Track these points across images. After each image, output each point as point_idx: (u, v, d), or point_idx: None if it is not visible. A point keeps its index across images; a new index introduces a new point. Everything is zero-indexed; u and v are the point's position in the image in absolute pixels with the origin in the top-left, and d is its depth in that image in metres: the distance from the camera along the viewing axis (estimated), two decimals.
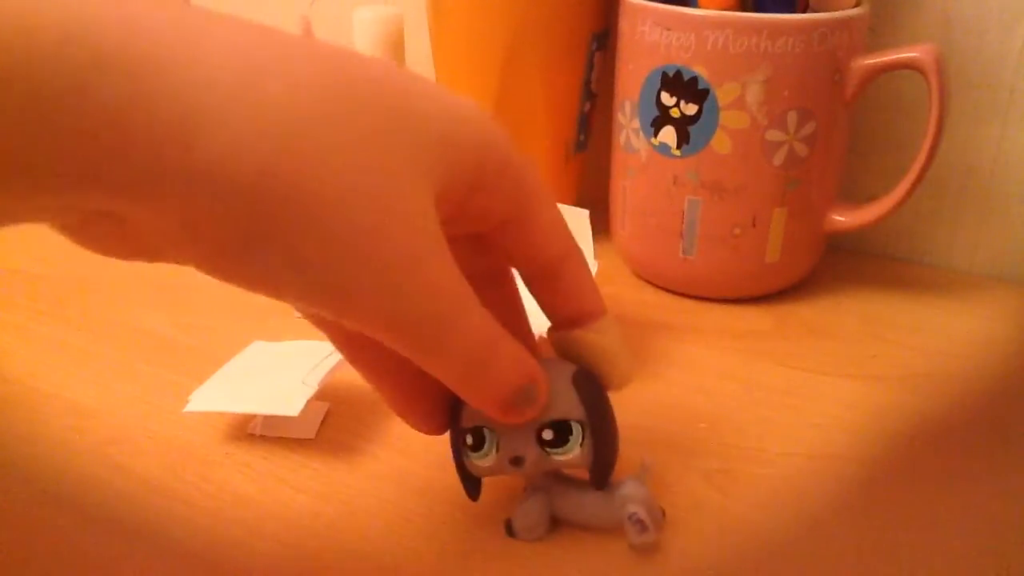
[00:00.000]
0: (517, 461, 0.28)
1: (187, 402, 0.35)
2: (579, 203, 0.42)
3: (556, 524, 0.31)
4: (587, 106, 0.52)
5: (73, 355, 0.42)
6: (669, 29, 0.42)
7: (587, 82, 0.51)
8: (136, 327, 0.45)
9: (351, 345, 0.28)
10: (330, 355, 0.37)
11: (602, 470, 0.29)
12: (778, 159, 0.43)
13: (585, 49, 0.50)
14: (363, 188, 0.21)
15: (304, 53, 0.21)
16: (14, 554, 0.28)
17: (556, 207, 0.28)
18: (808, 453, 0.35)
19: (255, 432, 0.36)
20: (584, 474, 0.29)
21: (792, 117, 0.42)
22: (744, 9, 0.42)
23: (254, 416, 0.36)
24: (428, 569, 0.29)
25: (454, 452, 0.29)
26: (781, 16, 0.40)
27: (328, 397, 0.38)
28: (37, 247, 0.55)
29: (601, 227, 0.43)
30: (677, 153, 0.44)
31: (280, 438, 0.36)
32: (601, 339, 0.29)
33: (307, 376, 0.35)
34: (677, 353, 0.42)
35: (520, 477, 0.30)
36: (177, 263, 0.24)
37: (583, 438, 0.28)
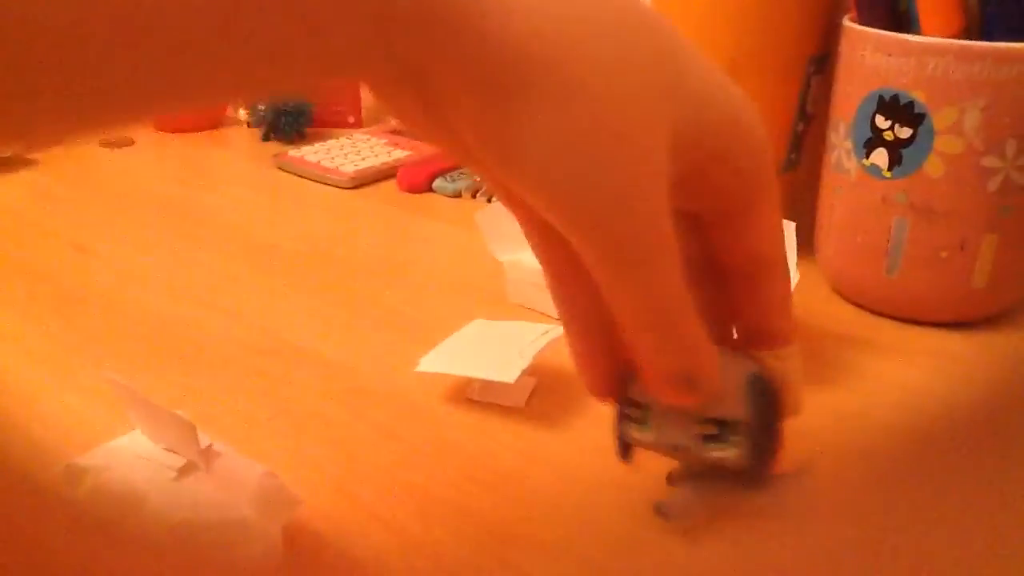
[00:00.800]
0: (675, 448, 0.29)
1: (417, 364, 0.40)
2: (785, 220, 0.44)
3: (705, 512, 0.32)
4: (800, 127, 0.54)
5: (322, 318, 0.49)
6: (889, 54, 0.43)
7: (802, 104, 0.53)
8: (374, 299, 0.51)
9: (562, 278, 0.29)
10: (543, 334, 0.41)
11: (757, 474, 0.29)
12: (993, 185, 0.43)
13: (802, 72, 0.52)
14: (616, 96, 0.22)
15: None
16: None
17: (780, 215, 0.28)
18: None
19: (472, 397, 0.40)
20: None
21: (1011, 145, 0.42)
22: (969, 35, 0.43)
23: (473, 381, 0.41)
24: (622, 533, 0.33)
25: (617, 416, 0.31)
26: (1005, 44, 0.41)
27: (537, 373, 0.42)
28: (296, 228, 0.63)
29: (805, 243, 0.45)
30: (888, 175, 0.45)
31: (493, 404, 0.40)
32: (782, 365, 0.29)
33: (523, 350, 0.39)
34: (872, 369, 0.43)
35: (680, 460, 0.32)
36: (451, 145, 0.26)
37: (744, 440, 0.28)
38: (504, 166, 0.23)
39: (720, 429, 0.29)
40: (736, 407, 0.28)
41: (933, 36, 0.43)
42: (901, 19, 0.44)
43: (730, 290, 0.29)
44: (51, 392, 0.42)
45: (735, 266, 0.28)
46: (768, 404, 0.29)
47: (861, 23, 0.46)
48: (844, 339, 0.46)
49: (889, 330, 0.47)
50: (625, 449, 0.31)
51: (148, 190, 0.72)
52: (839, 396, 0.41)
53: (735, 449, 0.29)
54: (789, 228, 0.42)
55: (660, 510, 0.32)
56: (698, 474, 0.32)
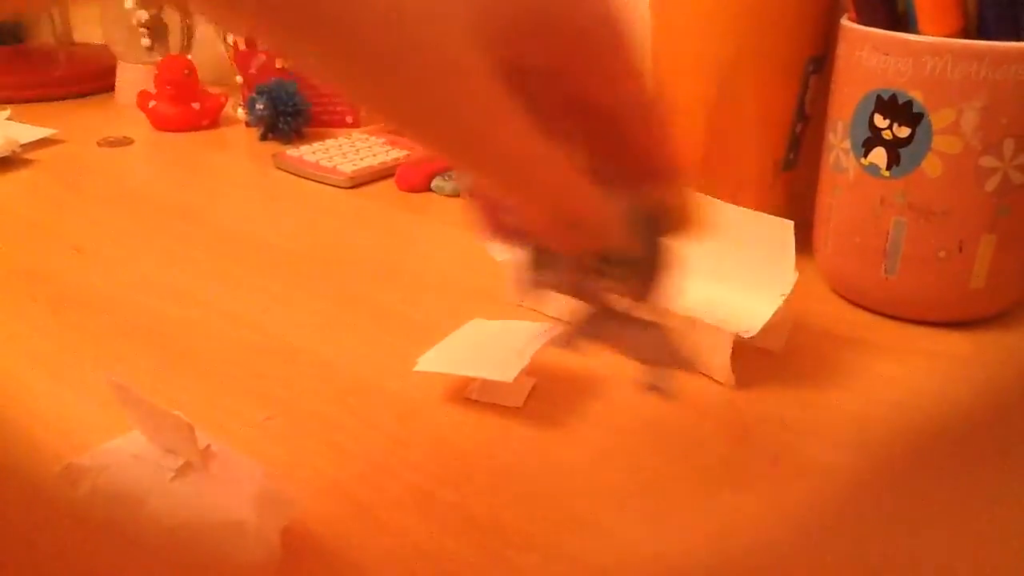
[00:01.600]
0: (577, 283, 0.32)
1: (415, 363, 0.40)
2: (784, 219, 0.44)
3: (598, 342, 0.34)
4: (799, 126, 0.54)
5: (321, 318, 0.49)
6: (887, 54, 0.43)
7: (801, 103, 0.53)
8: (372, 299, 0.51)
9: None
10: (543, 333, 0.41)
11: (650, 298, 0.31)
12: (990, 185, 0.43)
13: (801, 72, 0.52)
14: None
15: None
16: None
17: (629, 53, 0.27)
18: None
19: (471, 396, 0.40)
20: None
21: (1009, 145, 0.42)
22: (968, 34, 0.43)
23: (472, 381, 0.41)
24: (621, 533, 0.33)
25: (519, 264, 0.32)
26: (1003, 44, 0.41)
27: (535, 373, 0.42)
28: (295, 227, 0.63)
29: (803, 243, 0.45)
30: (886, 174, 0.45)
31: (492, 404, 0.40)
32: (668, 197, 0.30)
33: (522, 349, 0.39)
34: (870, 369, 0.43)
35: (577, 297, 0.33)
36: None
37: (641, 270, 0.31)
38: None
39: (616, 263, 0.31)
40: (631, 241, 0.30)
41: (931, 36, 0.43)
42: (899, 19, 0.44)
43: (609, 136, 0.29)
44: (49, 392, 0.42)
45: (605, 114, 0.28)
46: (657, 234, 0.31)
47: (859, 23, 0.46)
48: (842, 339, 0.46)
49: (887, 330, 0.47)
50: (528, 290, 0.33)
51: (146, 190, 0.72)
52: (837, 396, 0.41)
53: (634, 276, 0.31)
54: (787, 227, 0.43)
55: (557, 342, 0.34)
56: (590, 311, 0.34)
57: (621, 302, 0.33)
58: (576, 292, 0.32)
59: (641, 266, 0.31)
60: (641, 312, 0.32)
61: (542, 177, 0.26)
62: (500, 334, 0.42)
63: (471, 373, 0.39)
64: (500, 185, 0.27)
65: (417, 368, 0.40)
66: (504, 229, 0.31)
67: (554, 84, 0.28)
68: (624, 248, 0.30)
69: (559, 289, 0.32)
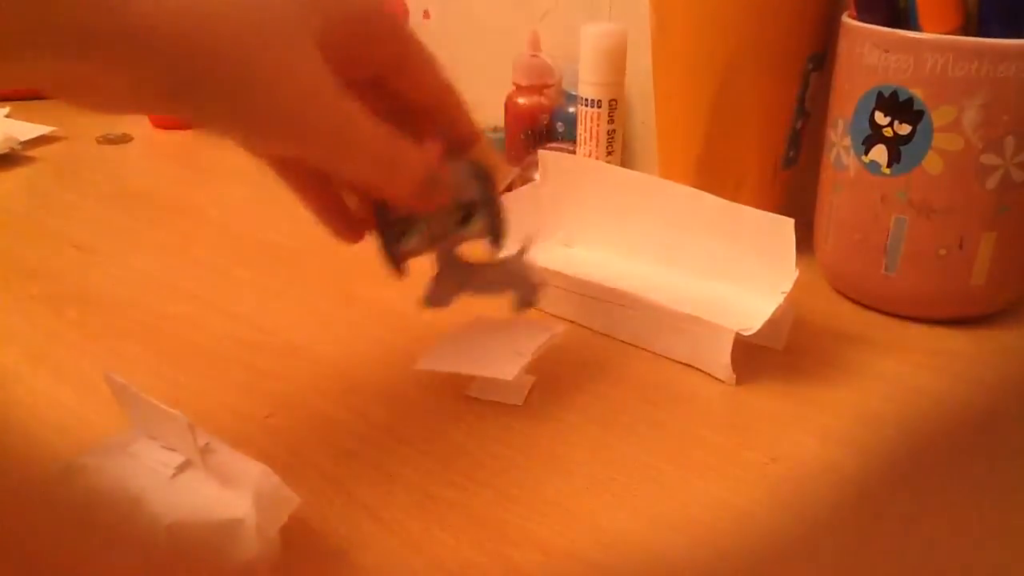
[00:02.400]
0: (438, 238, 0.38)
1: (416, 362, 0.40)
2: (784, 216, 0.44)
3: (462, 292, 0.41)
4: (799, 124, 0.54)
5: (321, 316, 0.49)
6: (888, 51, 0.43)
7: (801, 101, 0.53)
8: (372, 297, 0.51)
9: (284, 169, 0.37)
10: (542, 331, 0.41)
11: (498, 234, 0.38)
12: (991, 183, 0.43)
13: (801, 69, 0.52)
14: (267, 38, 0.28)
15: None
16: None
17: (431, 55, 0.35)
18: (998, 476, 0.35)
19: (471, 394, 0.40)
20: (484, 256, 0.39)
21: (1010, 142, 0.42)
22: (968, 32, 0.43)
23: (472, 379, 0.40)
24: (621, 531, 0.33)
25: (382, 243, 0.38)
26: (1003, 41, 0.41)
27: (535, 371, 0.42)
28: (295, 225, 0.62)
29: (804, 241, 0.45)
30: (887, 172, 0.45)
31: (492, 402, 0.40)
32: (483, 152, 0.38)
33: (521, 347, 0.39)
34: (871, 366, 0.43)
35: (436, 258, 0.40)
36: (137, 112, 0.31)
37: (483, 214, 0.38)
38: (225, 131, 0.30)
39: (465, 211, 0.38)
40: (469, 191, 0.38)
41: (932, 33, 0.43)
42: (900, 16, 0.44)
43: (429, 121, 0.37)
44: (48, 390, 0.42)
45: (424, 101, 0.36)
46: (488, 179, 0.38)
47: (860, 20, 0.46)
48: (843, 336, 0.46)
49: (888, 327, 0.47)
50: (397, 263, 0.38)
51: (146, 187, 0.72)
52: (837, 393, 0.41)
53: (480, 220, 0.38)
54: (788, 224, 0.42)
55: (427, 301, 0.40)
56: (448, 266, 0.40)
57: (471, 255, 0.40)
58: (437, 245, 0.39)
59: (483, 209, 0.38)
60: (489, 256, 0.39)
61: (401, 153, 0.33)
62: (500, 332, 0.42)
63: (472, 372, 0.39)
64: (378, 174, 0.33)
65: (418, 367, 0.40)
66: (349, 226, 0.38)
67: (379, 87, 0.35)
68: (463, 195, 0.37)
69: (422, 249, 0.38)
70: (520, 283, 0.41)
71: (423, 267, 0.40)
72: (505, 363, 0.38)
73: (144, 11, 0.26)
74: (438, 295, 0.40)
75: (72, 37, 0.26)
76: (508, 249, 0.40)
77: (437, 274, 0.40)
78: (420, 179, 0.34)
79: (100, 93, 0.30)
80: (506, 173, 0.39)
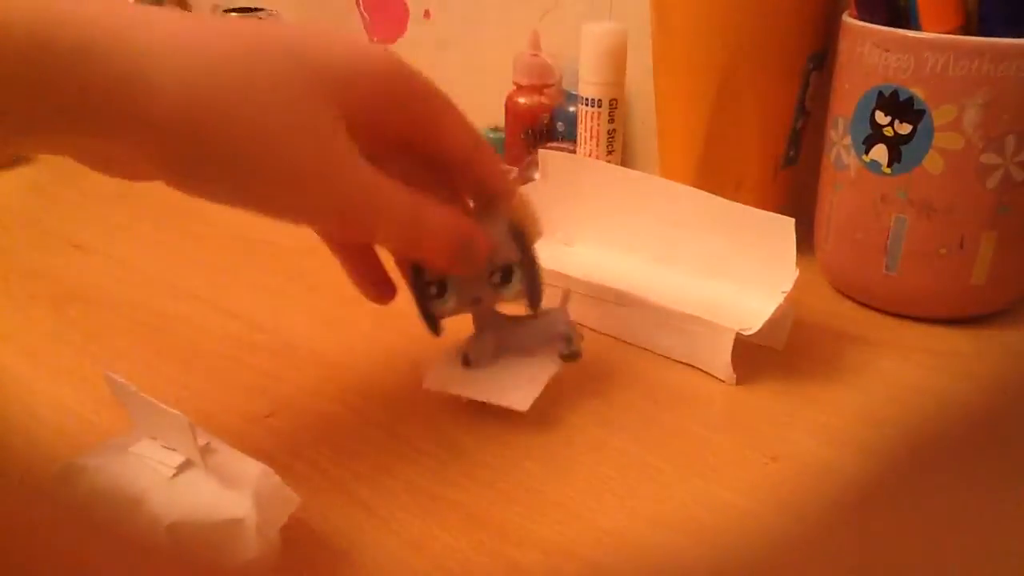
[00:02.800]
0: (476, 301, 0.38)
1: (423, 378, 0.39)
2: (785, 216, 0.44)
3: (502, 353, 0.40)
4: (800, 123, 0.54)
5: (321, 316, 0.49)
6: (888, 50, 0.43)
7: (801, 100, 0.53)
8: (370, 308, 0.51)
9: (339, 250, 0.39)
10: (555, 358, 0.40)
11: (536, 296, 0.38)
12: (992, 182, 0.43)
13: (801, 69, 0.52)
14: (272, 118, 0.29)
15: (216, 30, 0.29)
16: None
17: (458, 111, 0.35)
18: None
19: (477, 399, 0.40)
20: (521, 310, 0.39)
21: (1010, 141, 0.42)
22: (969, 31, 0.43)
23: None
24: (623, 533, 0.33)
25: (418, 301, 0.38)
26: (1004, 40, 0.41)
27: None
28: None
29: (804, 240, 0.45)
30: (887, 171, 0.45)
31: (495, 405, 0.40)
32: (520, 210, 0.38)
33: (535, 373, 0.39)
34: (871, 366, 0.43)
35: (474, 316, 0.40)
36: (153, 180, 0.32)
37: (521, 276, 0.37)
38: (242, 207, 0.31)
39: (503, 274, 0.37)
40: (509, 253, 0.37)
41: (933, 32, 0.43)
42: (900, 15, 0.44)
43: (459, 179, 0.37)
44: (48, 390, 0.42)
45: (455, 160, 0.36)
46: (526, 239, 0.37)
47: (860, 19, 0.46)
48: (843, 336, 0.46)
49: (888, 327, 0.47)
50: (434, 323, 0.39)
51: (147, 187, 0.71)
52: (837, 392, 0.41)
53: (518, 284, 0.38)
54: (788, 224, 0.42)
55: (467, 359, 0.39)
56: (488, 325, 0.40)
57: (510, 309, 0.39)
58: (474, 307, 0.38)
59: (522, 271, 0.37)
60: (524, 311, 0.39)
61: (436, 222, 0.34)
62: (508, 352, 0.41)
63: (483, 398, 0.38)
64: (413, 244, 0.34)
65: (425, 386, 0.39)
66: (380, 290, 0.40)
67: (408, 150, 0.35)
68: (501, 256, 0.37)
69: (459, 310, 0.38)
70: (561, 337, 0.40)
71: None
72: (517, 389, 0.38)
73: (163, 102, 0.27)
74: (478, 354, 0.39)
75: (95, 123, 0.27)
76: (547, 302, 0.39)
77: (476, 334, 0.40)
78: (454, 246, 0.34)
79: (121, 166, 0.33)
80: (539, 230, 0.38)
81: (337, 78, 0.31)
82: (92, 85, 0.26)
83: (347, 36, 0.32)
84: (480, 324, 0.40)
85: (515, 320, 0.40)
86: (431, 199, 0.34)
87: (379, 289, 0.39)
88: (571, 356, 0.39)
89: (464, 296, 0.38)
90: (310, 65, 0.30)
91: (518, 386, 0.38)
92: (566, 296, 0.41)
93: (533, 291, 0.38)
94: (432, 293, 0.38)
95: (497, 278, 0.37)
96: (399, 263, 0.39)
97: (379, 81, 0.32)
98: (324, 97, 0.30)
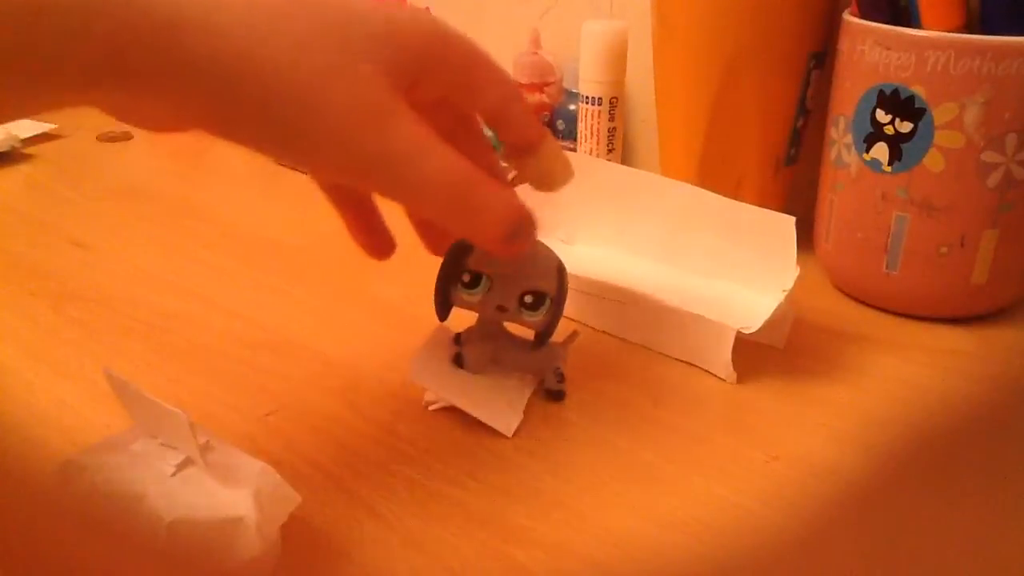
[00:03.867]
0: (501, 309, 0.38)
1: (409, 367, 0.39)
2: (786, 214, 0.43)
3: (491, 365, 0.40)
4: (800, 121, 0.54)
5: (321, 314, 0.49)
6: (889, 48, 0.43)
7: (802, 99, 0.53)
8: (372, 294, 0.51)
9: (351, 213, 0.38)
10: (529, 380, 0.41)
11: (549, 334, 0.39)
12: (992, 181, 0.43)
13: (803, 67, 0.52)
14: (318, 63, 0.28)
15: None
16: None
17: (495, 65, 0.34)
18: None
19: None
20: (528, 334, 0.40)
21: (1011, 139, 0.42)
22: (970, 29, 0.43)
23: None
24: (624, 530, 0.33)
25: (443, 281, 0.38)
26: (1006, 38, 0.40)
27: None
28: (295, 222, 0.62)
29: (805, 239, 0.45)
30: (888, 169, 0.45)
31: None
32: (541, 162, 0.36)
33: (512, 399, 0.39)
34: (872, 365, 0.43)
35: (481, 320, 0.40)
36: (177, 130, 0.31)
37: (549, 308, 0.38)
38: (283, 156, 0.30)
39: (535, 298, 0.38)
40: (550, 283, 0.38)
41: (934, 30, 0.43)
42: (901, 13, 0.44)
43: (494, 130, 0.35)
44: (48, 388, 0.42)
45: (487, 115, 0.35)
46: (565, 281, 0.38)
47: (861, 17, 0.45)
48: (844, 335, 0.46)
49: (889, 326, 0.47)
50: (446, 309, 0.39)
51: (146, 185, 0.72)
52: (838, 391, 0.41)
53: (543, 316, 0.38)
54: (789, 222, 0.42)
55: (459, 360, 0.39)
56: (492, 335, 0.40)
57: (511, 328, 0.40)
58: (495, 313, 0.38)
59: (551, 307, 0.38)
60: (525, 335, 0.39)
61: (482, 193, 0.32)
62: (496, 365, 0.41)
63: (467, 408, 0.38)
64: (439, 203, 0.31)
65: (411, 378, 0.38)
66: (378, 234, 0.39)
67: (445, 108, 0.34)
68: (542, 283, 0.37)
69: (480, 308, 0.38)
70: (553, 372, 0.40)
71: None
72: (500, 414, 0.38)
73: (192, 47, 0.26)
74: (473, 361, 0.40)
75: (123, 74, 0.26)
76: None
77: (477, 339, 0.40)
78: (509, 224, 0.33)
79: (145, 116, 0.31)
80: (571, 171, 0.37)
81: (377, 36, 0.30)
82: (137, 28, 0.25)
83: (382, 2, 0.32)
84: (485, 332, 0.40)
85: (517, 341, 0.41)
86: (484, 172, 0.32)
87: (377, 240, 0.39)
88: (555, 394, 0.40)
89: (493, 297, 0.38)
90: (357, 23, 0.29)
91: (501, 410, 0.38)
92: (572, 337, 0.41)
93: (550, 328, 0.39)
94: (464, 280, 0.38)
95: (529, 299, 0.38)
96: (420, 228, 0.39)
97: (415, 40, 0.31)
98: (370, 55, 0.29)
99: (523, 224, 0.33)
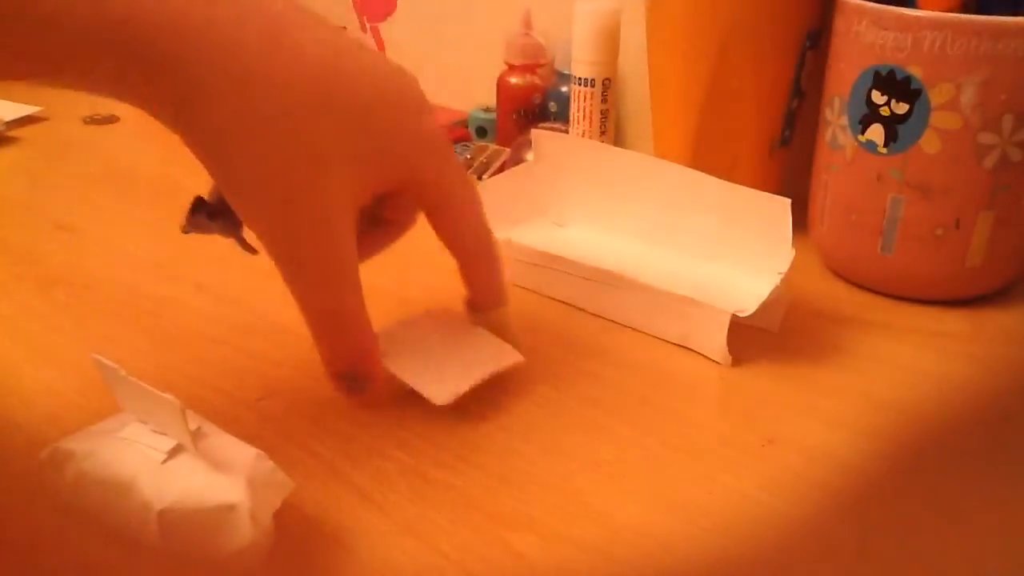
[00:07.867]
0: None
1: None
2: (781, 196, 0.43)
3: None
4: (795, 102, 0.54)
5: None
6: (885, 29, 0.43)
7: (797, 79, 0.52)
8: (365, 281, 0.50)
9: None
10: (497, 359, 0.39)
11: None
12: (989, 162, 0.42)
13: (797, 47, 0.51)
14: (298, 183, 0.31)
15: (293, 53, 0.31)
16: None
17: (477, 210, 0.36)
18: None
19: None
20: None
21: (1008, 120, 0.42)
22: (967, 9, 0.42)
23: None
24: (620, 516, 0.32)
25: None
26: (1002, 19, 0.40)
27: (530, 353, 0.41)
28: None
29: (799, 221, 0.44)
30: (883, 151, 0.44)
31: (487, 383, 0.39)
32: (502, 321, 0.39)
33: (470, 368, 0.38)
34: (867, 347, 0.43)
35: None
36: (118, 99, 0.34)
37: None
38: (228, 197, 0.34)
39: None
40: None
41: (930, 10, 0.42)
42: None
43: (461, 270, 0.38)
44: (35, 374, 0.41)
45: (456, 252, 0.37)
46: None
47: None
48: (838, 317, 0.46)
49: (883, 308, 0.47)
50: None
51: (132, 168, 0.71)
52: (833, 374, 0.41)
53: None
54: (784, 205, 0.42)
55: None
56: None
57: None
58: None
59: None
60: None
61: (346, 332, 0.35)
62: (461, 340, 0.40)
63: (409, 381, 0.37)
64: (313, 328, 0.35)
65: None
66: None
67: (430, 219, 0.36)
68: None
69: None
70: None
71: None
72: (444, 381, 0.37)
73: (216, 106, 0.30)
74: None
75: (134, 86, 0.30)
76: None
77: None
78: (339, 369, 0.35)
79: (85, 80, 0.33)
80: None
81: (371, 153, 0.32)
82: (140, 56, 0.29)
83: (404, 105, 0.33)
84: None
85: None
86: (364, 318, 0.34)
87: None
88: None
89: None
90: (350, 146, 0.32)
91: (448, 374, 0.37)
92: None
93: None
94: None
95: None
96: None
97: (413, 157, 0.33)
98: (354, 177, 0.32)
99: (363, 378, 0.35)
